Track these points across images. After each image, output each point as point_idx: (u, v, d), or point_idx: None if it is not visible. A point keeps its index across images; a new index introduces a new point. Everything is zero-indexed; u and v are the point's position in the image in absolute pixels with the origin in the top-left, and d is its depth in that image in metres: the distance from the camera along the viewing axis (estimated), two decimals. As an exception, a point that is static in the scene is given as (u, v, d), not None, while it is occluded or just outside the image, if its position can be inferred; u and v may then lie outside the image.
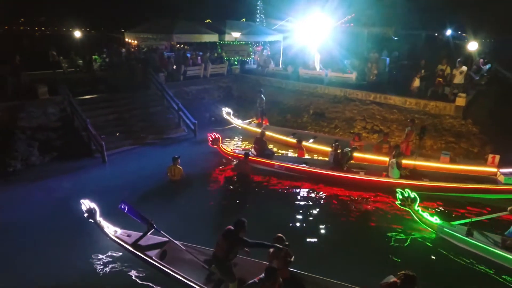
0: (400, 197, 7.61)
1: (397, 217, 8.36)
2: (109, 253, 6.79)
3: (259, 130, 13.80)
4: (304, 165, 10.58)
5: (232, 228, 5.06)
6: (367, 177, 9.80)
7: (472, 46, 13.39)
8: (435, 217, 7.54)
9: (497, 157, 9.86)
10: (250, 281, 4.70)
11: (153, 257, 5.65)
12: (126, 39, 22.03)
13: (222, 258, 5.04)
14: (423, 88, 13.45)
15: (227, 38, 20.46)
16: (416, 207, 7.50)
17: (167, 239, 5.94)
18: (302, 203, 9.17)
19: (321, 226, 8.05)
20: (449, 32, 19.32)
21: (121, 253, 6.63)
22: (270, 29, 25.12)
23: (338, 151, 10.36)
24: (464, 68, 12.31)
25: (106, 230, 6.04)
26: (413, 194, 7.51)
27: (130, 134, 13.45)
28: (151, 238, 6.03)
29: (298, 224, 8.19)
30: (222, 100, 18.27)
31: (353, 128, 14.12)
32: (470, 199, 9.01)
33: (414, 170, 9.88)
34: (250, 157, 10.54)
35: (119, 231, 6.20)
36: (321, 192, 9.68)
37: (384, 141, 11.29)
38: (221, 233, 5.14)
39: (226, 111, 14.72)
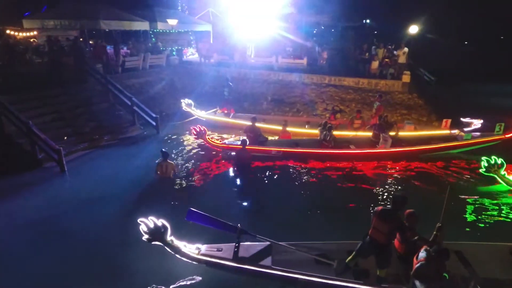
0: (486, 164, 8.11)
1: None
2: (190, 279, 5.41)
3: (229, 120, 13.29)
4: (298, 147, 10.56)
5: (389, 207, 4.54)
6: (365, 150, 10.45)
7: (413, 29, 15.46)
8: None
9: (449, 121, 11.71)
10: (417, 264, 4.30)
11: (271, 266, 4.67)
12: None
13: (384, 243, 4.50)
14: (378, 70, 14.90)
15: (160, 26, 18.70)
16: (502, 172, 8.00)
17: (268, 242, 5.04)
18: (308, 181, 9.14)
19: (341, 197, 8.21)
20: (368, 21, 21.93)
21: (207, 275, 5.34)
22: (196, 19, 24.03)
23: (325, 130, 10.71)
24: (406, 49, 14.13)
25: (185, 250, 4.70)
26: (500, 160, 8.02)
27: (81, 137, 11.11)
28: (250, 246, 5.03)
29: (314, 200, 8.10)
30: (167, 93, 16.73)
31: (316, 111, 14.75)
32: (444, 155, 10.57)
33: (395, 137, 10.89)
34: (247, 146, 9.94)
35: (203, 247, 4.88)
36: (321, 168, 9.82)
37: (357, 117, 12.10)
38: (374, 215, 4.59)
39: (186, 103, 13.47)
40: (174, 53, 19.10)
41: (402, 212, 4.69)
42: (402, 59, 14.17)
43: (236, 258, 4.69)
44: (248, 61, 17.59)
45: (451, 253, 4.34)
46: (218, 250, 4.84)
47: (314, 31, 20.05)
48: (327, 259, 4.88)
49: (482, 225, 7.15)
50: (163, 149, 9.00)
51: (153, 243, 4.59)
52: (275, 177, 9.39)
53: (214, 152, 10.79)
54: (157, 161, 8.88)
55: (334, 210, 7.66)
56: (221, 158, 10.57)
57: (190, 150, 11.16)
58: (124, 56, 15.42)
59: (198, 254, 4.75)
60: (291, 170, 9.80)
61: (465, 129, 11.10)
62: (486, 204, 7.93)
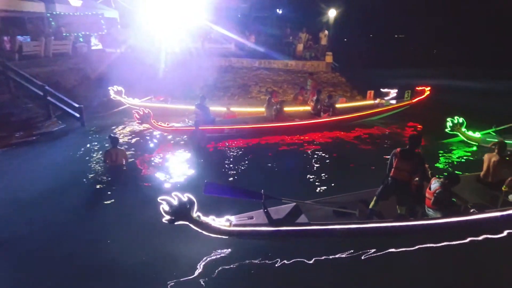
0: (451, 124, 9.36)
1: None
2: (219, 253, 4.82)
3: (169, 105, 12.33)
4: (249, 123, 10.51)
5: (407, 147, 4.91)
6: (317, 119, 11.14)
7: (332, 13, 16.74)
8: (477, 133, 9.33)
9: (372, 92, 13.26)
10: (435, 194, 4.81)
11: (310, 222, 4.65)
12: None
13: (406, 180, 4.89)
14: (304, 52, 15.78)
15: (60, 8, 16.06)
16: (463, 129, 9.32)
17: (294, 203, 5.00)
18: (266, 154, 9.06)
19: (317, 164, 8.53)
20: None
21: (233, 246, 4.89)
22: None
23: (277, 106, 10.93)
24: (326, 32, 15.37)
25: (216, 224, 4.31)
26: (461, 119, 9.32)
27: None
28: (278, 210, 4.92)
29: (277, 169, 8.19)
30: (80, 84, 14.54)
31: (250, 93, 14.85)
32: (376, 120, 12.09)
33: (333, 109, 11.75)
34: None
35: (233, 218, 4.56)
36: (276, 142, 9.98)
37: (300, 94, 12.66)
38: (395, 156, 4.92)
39: (115, 90, 11.92)
40: (81, 39, 16.64)
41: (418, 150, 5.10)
42: (324, 41, 15.37)
43: (272, 222, 4.53)
44: (173, 49, 16.55)
45: None
46: (250, 218, 4.66)
47: (239, 16, 20.13)
48: (350, 209, 5.09)
49: (450, 161, 8.49)
50: (111, 134, 7.83)
51: (176, 223, 4.09)
52: (232, 154, 9.05)
53: (161, 137, 9.86)
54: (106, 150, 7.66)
55: (299, 173, 7.86)
56: (171, 142, 9.73)
57: (131, 139, 9.97)
58: (21, 42, 12.71)
59: (230, 226, 4.40)
60: (246, 146, 9.62)
61: (385, 98, 12.74)
62: (444, 149, 9.42)
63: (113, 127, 11.07)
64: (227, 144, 9.72)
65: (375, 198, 5.15)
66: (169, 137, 9.97)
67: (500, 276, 4.63)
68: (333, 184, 7.08)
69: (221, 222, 4.41)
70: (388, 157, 5.16)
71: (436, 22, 37.58)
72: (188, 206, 4.08)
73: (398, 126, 11.66)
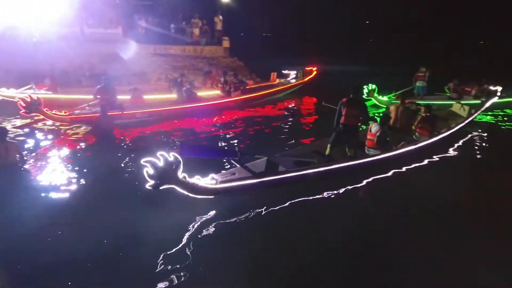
0: (366, 91, 10.74)
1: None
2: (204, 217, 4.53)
3: (59, 96, 10.30)
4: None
5: (351, 95, 5.41)
6: (231, 98, 11.33)
7: None
8: (385, 97, 11.13)
9: (275, 74, 14.11)
10: (377, 134, 5.56)
11: (287, 170, 4.94)
12: None
13: (355, 125, 5.45)
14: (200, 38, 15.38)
15: None
16: (375, 94, 10.91)
17: (265, 157, 5.14)
18: (192, 136, 8.63)
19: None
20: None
21: (217, 207, 4.68)
22: None
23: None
24: (221, 17, 15.42)
25: (203, 184, 4.15)
26: (374, 86, 10.85)
27: None
28: (254, 165, 5.02)
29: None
30: None
31: (149, 81, 13.73)
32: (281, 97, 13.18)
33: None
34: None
35: (217, 176, 4.49)
36: (195, 123, 9.62)
37: (209, 78, 12.44)
38: (343, 105, 5.42)
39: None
40: None
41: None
42: (219, 26, 15.42)
43: (256, 174, 4.64)
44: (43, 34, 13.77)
45: None
46: (232, 175, 4.67)
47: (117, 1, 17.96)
48: (309, 158, 5.53)
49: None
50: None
51: (162, 187, 3.75)
52: (149, 141, 8.11)
53: (57, 129, 8.14)
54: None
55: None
56: (71, 133, 8.12)
57: (17, 136, 7.84)
58: None
59: (217, 184, 4.30)
60: (161, 130, 8.88)
61: (288, 79, 13.79)
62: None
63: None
64: (141, 130, 8.76)
65: (329, 145, 5.66)
66: (68, 127, 8.31)
67: (420, 187, 5.77)
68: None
69: (207, 181, 4.26)
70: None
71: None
72: (174, 167, 3.74)
73: (299, 98, 13.31)
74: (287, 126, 9.59)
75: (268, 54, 28.26)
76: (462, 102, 9.38)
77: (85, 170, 6.09)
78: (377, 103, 11.32)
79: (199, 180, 4.13)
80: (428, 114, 7.06)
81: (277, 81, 13.84)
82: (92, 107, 9.00)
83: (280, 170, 4.93)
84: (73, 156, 6.85)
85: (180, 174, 3.82)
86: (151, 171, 3.60)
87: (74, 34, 14.30)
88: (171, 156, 3.70)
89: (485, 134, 8.72)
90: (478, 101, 10.14)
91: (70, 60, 13.30)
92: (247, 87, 12.92)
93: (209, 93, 12.07)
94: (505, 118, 10.42)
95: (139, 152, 7.27)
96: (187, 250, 3.89)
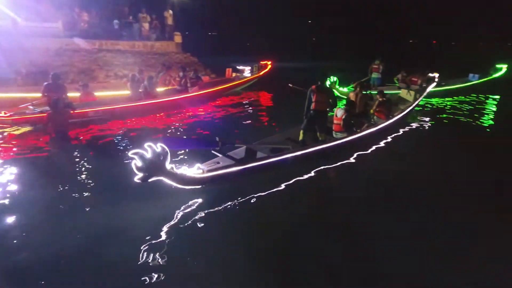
0: (329, 82, 10.73)
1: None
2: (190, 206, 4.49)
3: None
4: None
5: (319, 83, 5.62)
6: (191, 93, 10.98)
7: None
8: (345, 88, 11.62)
9: (231, 70, 14.03)
10: (343, 117, 5.87)
11: (269, 156, 5.07)
12: None
13: (324, 110, 5.64)
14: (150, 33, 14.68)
15: None
16: (337, 86, 11.30)
17: (244, 146, 5.26)
18: (153, 134, 8.15)
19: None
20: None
21: (202, 196, 4.67)
22: None
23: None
24: (171, 11, 14.90)
25: (190, 174, 4.15)
26: (335, 78, 11.13)
27: None
28: (235, 153, 5.15)
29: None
30: None
31: (96, 78, 12.79)
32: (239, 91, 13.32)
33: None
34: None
35: (202, 166, 4.50)
36: (152, 121, 9.32)
37: (167, 73, 12.00)
38: (312, 92, 5.62)
39: None
40: None
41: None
42: (169, 21, 14.90)
43: (239, 161, 4.77)
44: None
45: None
46: (217, 163, 4.66)
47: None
48: (284, 145, 5.68)
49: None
50: None
51: (150, 180, 3.65)
52: (105, 141, 7.56)
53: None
54: None
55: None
56: (14, 135, 7.27)
57: None
58: None
59: (204, 173, 4.29)
60: (116, 130, 8.35)
61: (243, 74, 13.81)
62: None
63: None
64: (95, 129, 8.17)
65: (301, 131, 5.89)
66: (10, 129, 7.39)
67: (382, 162, 6.35)
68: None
69: (194, 171, 4.26)
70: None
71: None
72: (161, 158, 3.65)
73: (258, 91, 13.61)
74: (251, 118, 9.72)
75: (217, 51, 28.17)
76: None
77: (47, 171, 5.53)
78: (338, 94, 11.78)
79: (186, 171, 4.12)
80: (384, 99, 7.63)
81: (234, 75, 13.84)
82: (36, 106, 8.15)
83: (259, 157, 5.09)
84: (26, 160, 6.15)
85: (168, 165, 3.76)
86: (139, 163, 3.49)
87: (4, 27, 12.77)
88: (159, 147, 3.62)
89: (428, 117, 9.96)
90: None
91: (1, 55, 11.89)
92: (203, 83, 12.78)
93: (167, 89, 11.64)
94: (441, 102, 12.02)
95: (102, 149, 6.93)
96: (174, 241, 3.81)
